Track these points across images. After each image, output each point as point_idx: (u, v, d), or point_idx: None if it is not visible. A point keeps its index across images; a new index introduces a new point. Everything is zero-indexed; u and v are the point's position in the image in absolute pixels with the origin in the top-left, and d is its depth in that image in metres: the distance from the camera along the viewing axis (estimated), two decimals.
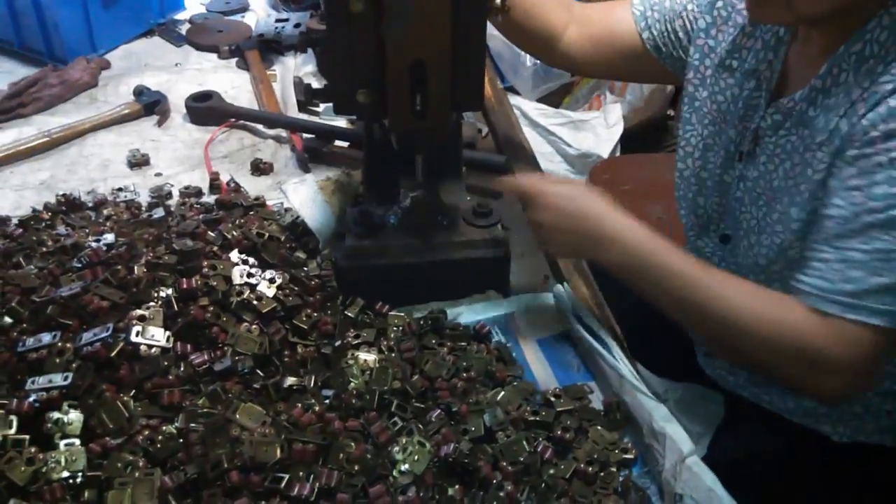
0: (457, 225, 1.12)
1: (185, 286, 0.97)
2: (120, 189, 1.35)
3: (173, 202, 1.32)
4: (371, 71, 0.96)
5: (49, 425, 0.84)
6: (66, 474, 0.80)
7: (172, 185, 1.37)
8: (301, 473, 0.79)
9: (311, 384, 0.90)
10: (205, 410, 0.84)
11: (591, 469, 0.87)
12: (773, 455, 1.14)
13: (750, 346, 0.92)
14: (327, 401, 0.89)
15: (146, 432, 0.84)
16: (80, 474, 0.80)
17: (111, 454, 0.81)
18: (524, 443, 0.87)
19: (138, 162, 1.45)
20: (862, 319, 0.86)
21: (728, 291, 0.93)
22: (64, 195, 1.30)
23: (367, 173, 1.16)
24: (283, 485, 0.77)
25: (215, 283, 0.99)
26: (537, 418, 0.92)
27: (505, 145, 1.51)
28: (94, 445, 0.83)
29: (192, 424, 0.83)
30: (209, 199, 1.34)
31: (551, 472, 0.87)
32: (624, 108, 2.60)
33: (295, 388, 0.89)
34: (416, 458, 0.80)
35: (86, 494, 0.80)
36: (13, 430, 0.83)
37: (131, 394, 0.88)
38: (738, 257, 1.11)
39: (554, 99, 2.77)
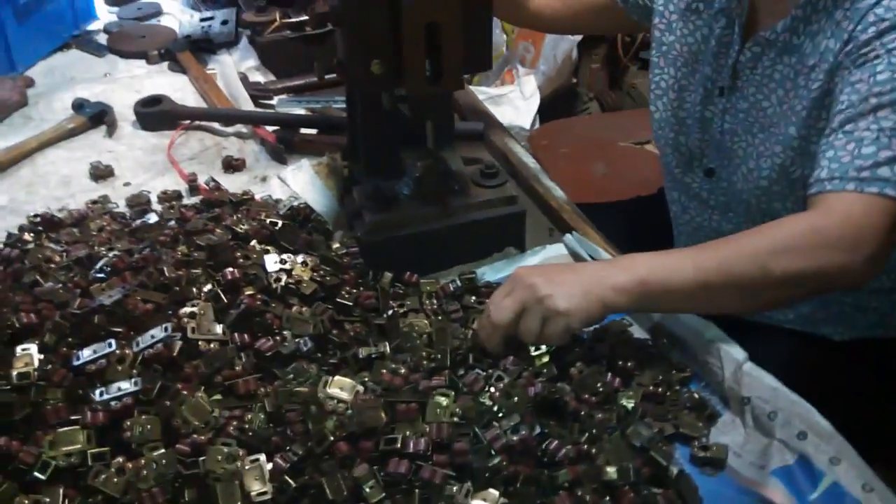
0: (469, 188, 1.15)
1: (229, 278, 0.95)
2: (95, 202, 1.29)
3: (156, 209, 1.28)
4: (385, 39, 0.97)
5: (127, 434, 0.81)
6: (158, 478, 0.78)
7: (149, 192, 1.32)
8: (407, 432, 0.80)
9: (389, 351, 0.90)
10: (296, 390, 0.83)
11: (659, 390, 0.93)
12: (780, 362, 1.23)
13: (780, 268, 0.88)
14: (405, 364, 0.89)
15: (234, 423, 0.82)
16: (171, 475, 0.78)
17: (208, 450, 0.79)
18: (598, 375, 0.91)
19: (102, 174, 1.40)
20: (877, 191, 0.89)
21: (734, 240, 0.93)
22: (38, 215, 1.23)
23: (368, 149, 1.16)
24: (398, 444, 0.77)
25: (255, 272, 0.98)
26: (595, 355, 0.96)
27: (470, 114, 1.54)
28: (181, 445, 0.80)
29: (287, 406, 0.82)
30: (188, 201, 1.30)
31: (623, 400, 0.91)
32: (538, 79, 2.68)
33: (373, 356, 0.90)
34: (514, 399, 0.83)
35: (186, 495, 0.78)
36: (92, 444, 0.80)
37: (202, 389, 0.86)
38: (733, 186, 1.19)
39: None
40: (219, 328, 0.91)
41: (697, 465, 0.87)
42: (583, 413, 0.87)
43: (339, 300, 1.00)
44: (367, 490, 0.75)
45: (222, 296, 0.94)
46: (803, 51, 1.04)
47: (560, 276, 0.92)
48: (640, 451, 0.84)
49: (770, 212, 1.17)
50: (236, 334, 0.91)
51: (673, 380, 0.95)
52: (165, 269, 0.98)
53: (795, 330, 1.24)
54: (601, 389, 0.90)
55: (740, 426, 0.92)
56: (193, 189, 1.34)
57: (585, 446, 0.83)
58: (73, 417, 0.81)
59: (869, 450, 0.88)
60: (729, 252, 0.91)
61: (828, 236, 0.89)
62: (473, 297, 1.05)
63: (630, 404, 0.89)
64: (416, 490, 0.75)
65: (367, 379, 0.86)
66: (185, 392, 0.84)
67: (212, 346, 0.90)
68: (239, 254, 1.01)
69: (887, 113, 0.91)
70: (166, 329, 0.88)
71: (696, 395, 0.93)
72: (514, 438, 0.79)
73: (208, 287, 0.96)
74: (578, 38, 2.79)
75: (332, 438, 0.79)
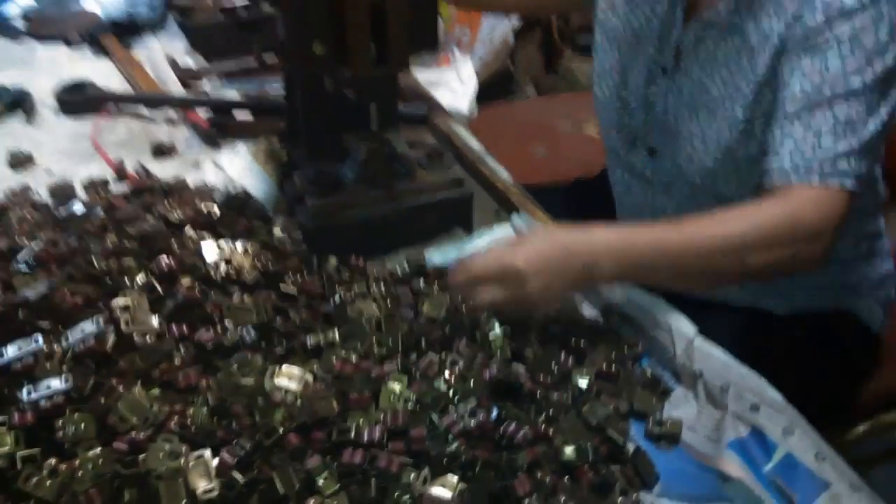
0: (415, 171, 1.12)
1: (164, 268, 0.90)
2: (15, 191, 1.21)
3: (82, 197, 1.21)
4: (327, 20, 0.93)
5: (60, 433, 0.76)
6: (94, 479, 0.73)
7: (73, 180, 1.25)
8: (361, 421, 0.77)
9: (338, 339, 0.87)
10: (241, 382, 0.79)
11: (612, 368, 0.92)
12: (727, 337, 1.24)
13: (756, 261, 0.93)
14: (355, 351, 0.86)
15: (175, 418, 0.78)
16: (109, 475, 0.73)
17: (149, 447, 0.74)
18: (552, 355, 0.89)
19: (21, 162, 1.32)
20: (838, 183, 0.93)
21: (716, 224, 0.94)
22: None
23: (309, 132, 1.12)
24: (353, 434, 0.74)
25: (192, 261, 0.93)
26: (548, 335, 0.95)
27: (411, 97, 1.51)
28: (119, 444, 0.75)
29: (232, 398, 0.78)
30: (116, 189, 1.24)
31: (578, 379, 0.90)
32: (475, 63, 2.65)
33: (322, 344, 0.86)
34: (470, 383, 0.81)
35: (126, 495, 0.73)
36: (21, 446, 0.74)
37: (139, 384, 0.81)
38: (677, 167, 1.18)
39: None
40: (154, 320, 0.86)
41: (653, 441, 0.87)
42: (538, 394, 0.85)
43: (282, 289, 0.96)
44: (321, 482, 0.72)
45: (157, 286, 0.89)
46: (746, 31, 1.05)
47: (554, 275, 0.90)
48: (597, 430, 0.83)
49: (714, 192, 1.17)
50: (174, 326, 0.86)
51: (626, 357, 0.94)
52: (94, 259, 0.92)
53: (739, 305, 1.25)
54: (556, 369, 0.88)
55: (693, 400, 0.92)
56: (121, 176, 1.27)
57: (543, 427, 0.81)
58: None
59: (817, 419, 0.90)
60: (709, 243, 0.93)
61: (798, 228, 0.93)
62: (422, 281, 1.02)
63: (584, 383, 0.88)
64: (373, 479, 0.73)
65: (316, 368, 0.83)
66: (120, 388, 0.79)
67: (147, 338, 0.85)
68: (174, 242, 0.96)
69: (842, 104, 0.94)
70: (97, 322, 0.82)
71: (649, 372, 0.93)
72: (472, 423, 0.77)
73: (141, 277, 0.91)
74: (515, 21, 2.78)
75: (281, 430, 0.75)
